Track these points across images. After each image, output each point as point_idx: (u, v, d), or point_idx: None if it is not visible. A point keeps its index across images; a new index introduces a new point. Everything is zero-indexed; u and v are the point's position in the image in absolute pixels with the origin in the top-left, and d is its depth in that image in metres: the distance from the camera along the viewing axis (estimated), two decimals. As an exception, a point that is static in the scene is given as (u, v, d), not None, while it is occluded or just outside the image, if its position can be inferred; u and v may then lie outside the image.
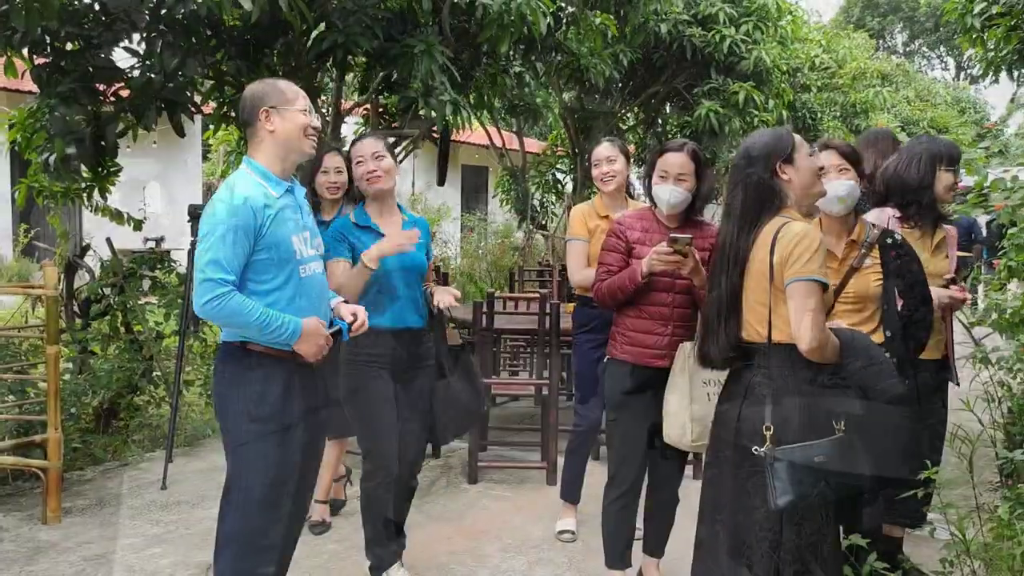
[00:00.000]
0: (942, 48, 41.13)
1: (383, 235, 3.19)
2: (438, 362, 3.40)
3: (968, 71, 38.24)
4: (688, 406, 2.98)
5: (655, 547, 3.45)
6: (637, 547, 3.46)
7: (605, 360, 3.34)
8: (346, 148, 3.55)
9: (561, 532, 4.05)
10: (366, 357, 3.19)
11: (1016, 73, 7.32)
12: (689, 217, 3.26)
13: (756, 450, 2.31)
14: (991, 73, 7.08)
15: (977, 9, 6.51)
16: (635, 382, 3.20)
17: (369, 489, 3.26)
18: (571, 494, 4.14)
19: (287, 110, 2.62)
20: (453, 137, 7.45)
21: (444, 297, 3.30)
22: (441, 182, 8.85)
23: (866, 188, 3.90)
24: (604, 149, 3.98)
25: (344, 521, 4.14)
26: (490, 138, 11.10)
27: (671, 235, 2.98)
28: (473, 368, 3.53)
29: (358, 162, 3.26)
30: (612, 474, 3.31)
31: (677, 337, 3.14)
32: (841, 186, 2.96)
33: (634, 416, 3.22)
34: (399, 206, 3.37)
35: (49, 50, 4.63)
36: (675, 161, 3.13)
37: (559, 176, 12.38)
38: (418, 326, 3.31)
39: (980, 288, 8.64)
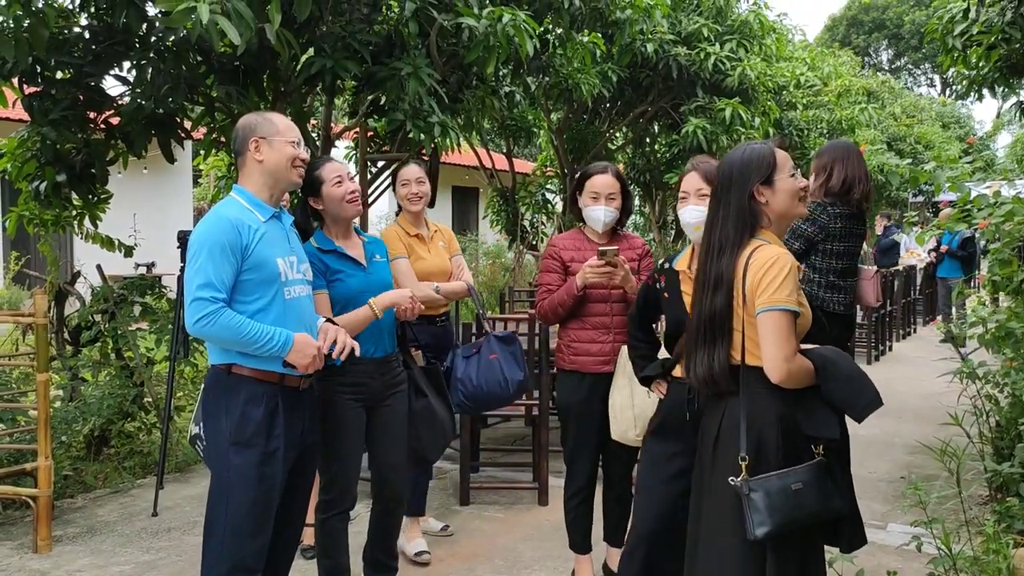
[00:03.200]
0: (927, 64, 41.54)
1: (350, 257, 3.20)
2: (414, 383, 3.39)
3: (954, 87, 38.63)
4: (631, 405, 3.25)
5: (614, 537, 3.69)
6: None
7: (553, 371, 3.55)
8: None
9: None
10: (343, 388, 3.13)
11: (998, 90, 7.42)
12: (616, 232, 3.65)
13: (732, 481, 2.26)
14: (974, 91, 7.17)
15: (958, 30, 6.61)
16: (585, 389, 3.50)
17: (326, 521, 3.20)
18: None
19: (276, 140, 2.70)
20: (443, 159, 7.49)
21: (406, 300, 3.21)
22: (431, 204, 8.87)
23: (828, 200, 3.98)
24: (413, 170, 4.05)
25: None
26: (479, 159, 11.16)
27: (600, 248, 3.31)
28: (444, 384, 3.56)
29: (336, 181, 3.17)
30: (569, 474, 3.62)
31: (618, 343, 3.43)
32: (691, 213, 2.94)
33: (584, 419, 3.52)
34: (355, 228, 3.34)
35: (39, 79, 4.66)
36: (604, 183, 3.48)
37: (549, 196, 12.42)
38: (390, 351, 3.30)
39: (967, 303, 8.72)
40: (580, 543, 3.67)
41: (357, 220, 3.37)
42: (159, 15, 4.48)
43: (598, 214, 3.49)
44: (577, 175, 3.64)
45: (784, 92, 11.31)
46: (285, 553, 2.90)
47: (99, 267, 5.59)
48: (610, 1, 7.32)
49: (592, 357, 3.48)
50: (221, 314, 2.51)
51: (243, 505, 2.61)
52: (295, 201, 3.86)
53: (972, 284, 11.92)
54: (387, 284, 3.31)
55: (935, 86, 43.68)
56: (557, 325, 3.66)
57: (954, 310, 11.08)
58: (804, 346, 2.35)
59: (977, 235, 10.98)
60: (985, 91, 7.26)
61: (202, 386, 2.74)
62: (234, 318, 2.53)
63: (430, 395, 3.40)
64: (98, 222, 5.55)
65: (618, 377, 3.37)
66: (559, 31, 6.88)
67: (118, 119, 5.00)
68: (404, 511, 3.38)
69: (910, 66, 43.11)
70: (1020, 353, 4.53)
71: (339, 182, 3.15)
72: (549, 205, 12.53)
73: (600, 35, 7.72)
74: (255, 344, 2.56)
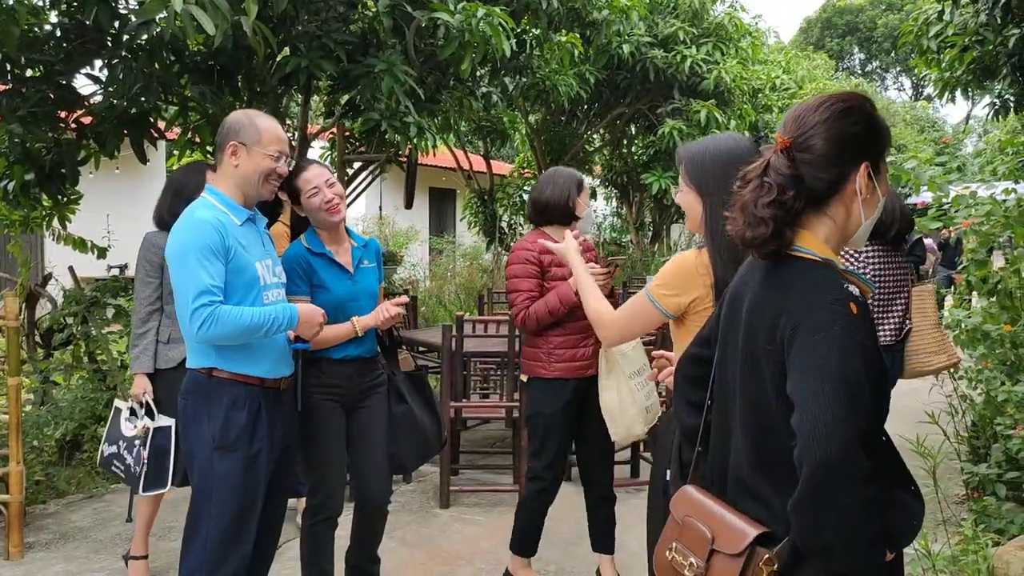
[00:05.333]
0: (898, 68, 42.04)
1: (337, 263, 3.13)
2: (396, 389, 3.33)
3: (925, 91, 39.14)
4: (632, 401, 3.29)
5: (604, 545, 3.67)
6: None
7: (526, 379, 3.57)
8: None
9: None
10: (319, 389, 3.07)
11: (970, 92, 7.50)
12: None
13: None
14: (947, 93, 7.24)
15: (932, 31, 6.68)
16: (568, 394, 3.47)
17: (311, 526, 3.15)
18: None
19: (255, 150, 2.63)
20: (420, 160, 7.47)
21: (384, 315, 3.13)
22: (409, 205, 8.85)
23: None
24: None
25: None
26: (457, 161, 11.14)
27: (609, 259, 3.46)
28: (432, 394, 3.47)
29: (312, 192, 3.05)
30: (542, 485, 3.55)
31: (598, 346, 3.41)
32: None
33: (565, 425, 3.51)
34: (347, 229, 3.25)
35: (8, 77, 4.58)
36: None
37: (527, 197, 12.45)
38: (371, 354, 3.24)
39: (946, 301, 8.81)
40: (531, 545, 3.66)
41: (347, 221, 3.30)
42: (131, 12, 4.42)
43: (591, 216, 3.64)
44: (578, 179, 3.63)
45: (760, 95, 11.40)
46: (264, 559, 2.86)
47: (71, 269, 5.50)
48: (587, 2, 7.33)
49: (577, 362, 3.46)
50: (219, 312, 2.45)
51: (227, 511, 2.56)
52: None
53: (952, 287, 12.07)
54: (373, 292, 3.25)
55: (905, 90, 44.23)
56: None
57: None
58: None
59: (949, 236, 11.10)
60: (958, 93, 7.33)
61: (128, 402, 2.67)
62: (232, 311, 2.48)
63: (412, 403, 3.33)
64: (68, 223, 5.46)
65: (602, 379, 3.36)
66: (537, 31, 6.87)
67: (90, 118, 4.93)
68: (385, 516, 3.33)
69: (880, 70, 43.60)
70: (995, 353, 4.57)
71: (314, 193, 3.04)
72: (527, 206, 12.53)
73: (578, 36, 7.73)
74: (263, 329, 2.53)
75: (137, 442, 3.52)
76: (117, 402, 3.68)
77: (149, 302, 3.57)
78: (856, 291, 1.55)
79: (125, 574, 3.82)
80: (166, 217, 3.56)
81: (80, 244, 5.64)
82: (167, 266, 3.40)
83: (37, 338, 5.56)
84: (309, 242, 3.12)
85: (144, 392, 3.52)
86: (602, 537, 3.66)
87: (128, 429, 3.53)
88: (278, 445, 2.73)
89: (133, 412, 3.54)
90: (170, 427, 3.51)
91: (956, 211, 4.28)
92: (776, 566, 1.56)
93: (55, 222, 5.40)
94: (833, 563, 1.49)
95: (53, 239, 5.59)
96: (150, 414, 3.51)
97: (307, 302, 2.95)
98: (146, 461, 3.49)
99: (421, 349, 6.41)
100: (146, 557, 3.74)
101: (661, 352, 2.45)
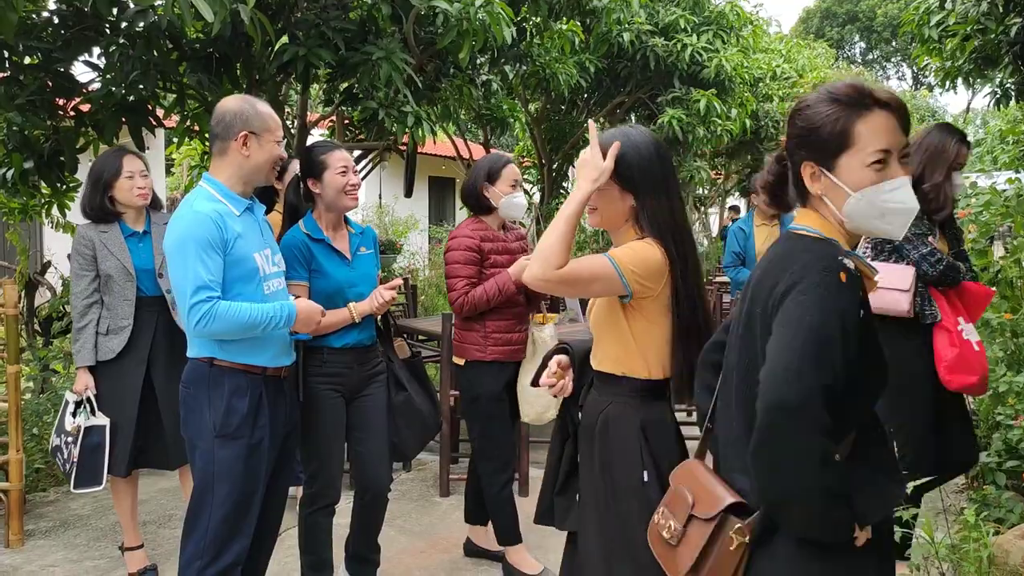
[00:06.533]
0: (899, 57, 41.92)
1: (335, 250, 3.13)
2: (395, 376, 3.34)
3: (924, 80, 39.06)
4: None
5: (482, 515, 3.87)
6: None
7: (463, 363, 3.63)
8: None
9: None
10: (321, 378, 3.09)
11: (972, 81, 7.47)
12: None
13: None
14: (948, 82, 7.21)
15: (934, 20, 6.65)
16: (504, 378, 3.60)
17: (310, 515, 3.17)
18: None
19: (266, 139, 2.63)
20: (420, 149, 7.44)
21: (379, 300, 3.12)
22: (408, 194, 8.83)
23: None
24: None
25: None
26: (456, 150, 11.11)
27: None
28: (427, 377, 3.51)
29: (341, 170, 3.08)
30: (496, 465, 3.64)
31: (528, 331, 3.60)
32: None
33: (505, 407, 3.64)
34: (345, 218, 3.26)
35: (6, 64, 4.55)
36: (517, 171, 3.58)
37: (526, 187, 12.41)
38: (370, 342, 3.24)
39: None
40: (517, 531, 3.70)
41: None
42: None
43: (521, 201, 3.62)
44: (489, 165, 3.60)
45: (760, 84, 11.35)
46: (264, 546, 2.86)
47: (70, 256, 5.48)
48: (587, -12, 7.29)
49: (514, 346, 3.60)
50: (216, 308, 2.45)
51: (229, 498, 2.56)
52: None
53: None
54: (370, 278, 3.25)
55: (905, 79, 44.11)
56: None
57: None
58: None
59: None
60: (959, 82, 7.30)
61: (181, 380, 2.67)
62: (230, 308, 2.48)
63: (411, 389, 3.35)
64: (67, 211, 5.44)
65: (526, 361, 3.54)
66: (537, 19, 6.84)
67: (88, 106, 4.90)
68: (385, 504, 3.33)
69: (881, 59, 43.47)
70: (996, 342, 4.57)
71: (343, 172, 3.09)
72: (527, 195, 12.51)
73: (578, 24, 7.69)
74: (260, 326, 2.53)
75: (69, 439, 3.51)
76: (67, 394, 3.62)
77: (86, 295, 3.53)
78: (851, 265, 1.59)
79: (124, 563, 3.82)
80: (86, 207, 3.61)
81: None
82: (99, 256, 3.44)
83: (36, 326, 5.55)
84: (308, 228, 3.12)
85: (86, 388, 3.50)
86: (481, 509, 3.83)
87: (69, 423, 3.53)
88: (279, 433, 2.73)
89: (79, 405, 3.53)
90: (104, 426, 3.49)
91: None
92: (747, 537, 1.59)
93: (54, 210, 5.38)
94: (794, 518, 1.52)
95: (52, 227, 5.58)
96: (92, 410, 3.50)
97: (305, 288, 2.97)
98: (75, 460, 3.48)
99: (421, 338, 6.41)
100: (141, 546, 3.74)
101: (559, 359, 2.31)
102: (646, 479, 2.06)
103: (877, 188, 1.61)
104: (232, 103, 2.65)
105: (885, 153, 1.61)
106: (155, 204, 3.71)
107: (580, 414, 2.27)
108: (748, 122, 10.48)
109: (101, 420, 3.50)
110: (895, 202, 1.63)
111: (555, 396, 2.32)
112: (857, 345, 1.53)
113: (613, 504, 2.09)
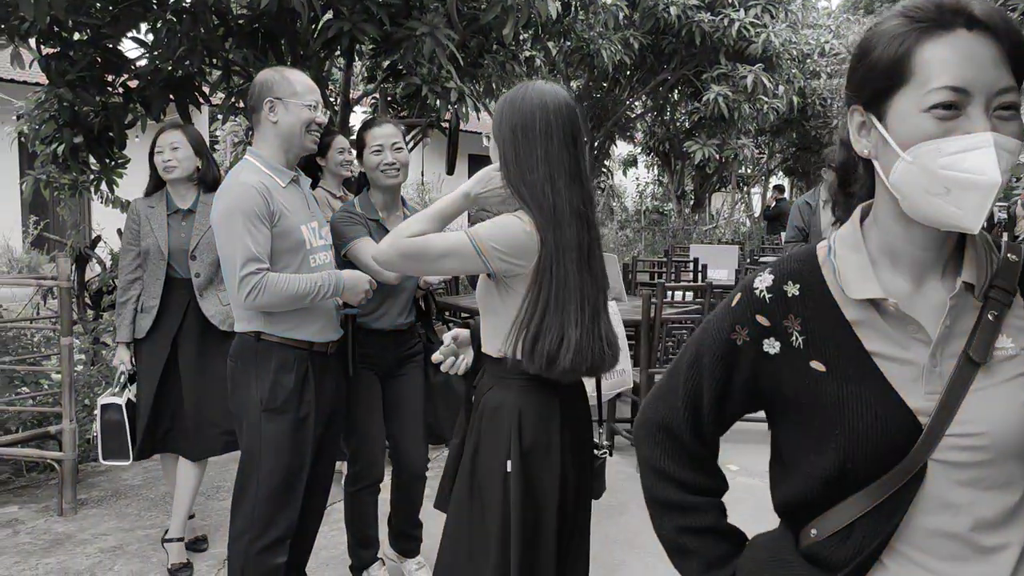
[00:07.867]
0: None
1: (388, 231, 3.08)
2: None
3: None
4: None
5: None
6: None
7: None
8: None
9: None
10: (358, 358, 3.07)
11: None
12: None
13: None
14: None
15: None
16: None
17: (354, 493, 3.19)
18: None
19: (292, 103, 2.60)
20: (462, 126, 7.42)
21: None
22: (450, 171, 8.81)
23: None
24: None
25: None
26: (498, 126, 11.07)
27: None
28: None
29: (376, 149, 3.05)
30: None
31: None
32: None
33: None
34: (401, 199, 3.21)
35: (57, 40, 4.61)
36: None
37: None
38: (408, 323, 3.22)
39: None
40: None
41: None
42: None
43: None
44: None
45: (808, 60, 11.13)
46: (312, 520, 2.89)
47: (120, 231, 5.56)
48: (634, -37, 7.18)
49: None
50: (266, 280, 2.47)
51: (275, 473, 2.58)
52: None
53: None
54: None
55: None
56: None
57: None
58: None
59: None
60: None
61: (229, 353, 2.70)
62: (279, 279, 2.50)
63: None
64: (115, 186, 5.52)
65: None
66: (581, -5, 6.77)
67: (136, 82, 4.96)
68: (423, 484, 3.34)
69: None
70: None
71: (377, 151, 3.03)
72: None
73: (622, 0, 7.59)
74: (309, 296, 2.55)
75: (95, 412, 3.51)
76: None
77: (129, 270, 3.51)
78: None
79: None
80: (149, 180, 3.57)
81: (128, 207, 5.71)
82: (143, 231, 3.42)
83: (87, 299, 5.65)
84: (362, 207, 3.10)
85: (122, 363, 3.51)
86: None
87: (104, 397, 3.56)
88: (326, 408, 2.74)
89: (119, 381, 3.56)
90: (120, 405, 3.46)
91: (1017, 180, 4.15)
92: None
93: (103, 185, 5.46)
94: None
95: (101, 202, 5.66)
96: (125, 385, 3.51)
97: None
98: (98, 433, 3.51)
99: (464, 315, 6.41)
100: (182, 539, 3.59)
101: (456, 334, 2.18)
102: (508, 469, 1.91)
103: (936, 145, 1.00)
104: (261, 75, 2.65)
105: (956, 93, 0.99)
106: (205, 180, 3.52)
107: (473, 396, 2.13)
108: (796, 99, 10.29)
109: (115, 399, 3.48)
110: (961, 170, 0.99)
111: (449, 373, 2.18)
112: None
113: (477, 493, 1.97)
